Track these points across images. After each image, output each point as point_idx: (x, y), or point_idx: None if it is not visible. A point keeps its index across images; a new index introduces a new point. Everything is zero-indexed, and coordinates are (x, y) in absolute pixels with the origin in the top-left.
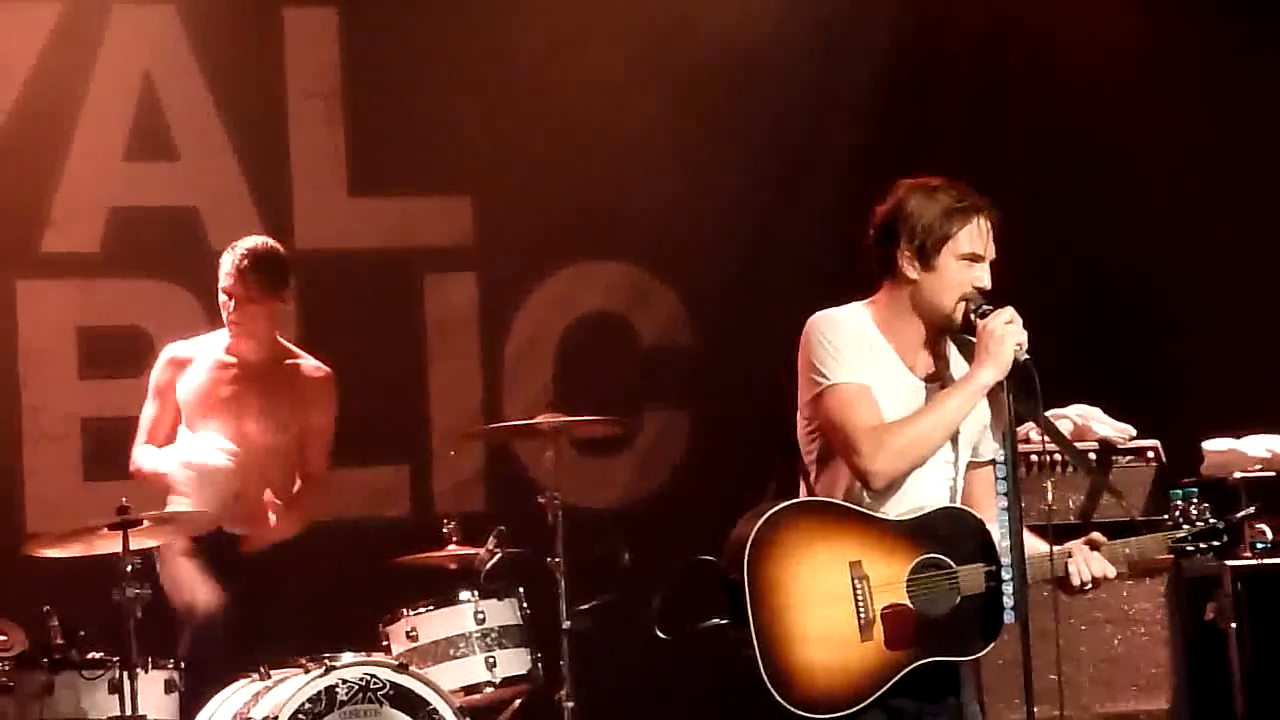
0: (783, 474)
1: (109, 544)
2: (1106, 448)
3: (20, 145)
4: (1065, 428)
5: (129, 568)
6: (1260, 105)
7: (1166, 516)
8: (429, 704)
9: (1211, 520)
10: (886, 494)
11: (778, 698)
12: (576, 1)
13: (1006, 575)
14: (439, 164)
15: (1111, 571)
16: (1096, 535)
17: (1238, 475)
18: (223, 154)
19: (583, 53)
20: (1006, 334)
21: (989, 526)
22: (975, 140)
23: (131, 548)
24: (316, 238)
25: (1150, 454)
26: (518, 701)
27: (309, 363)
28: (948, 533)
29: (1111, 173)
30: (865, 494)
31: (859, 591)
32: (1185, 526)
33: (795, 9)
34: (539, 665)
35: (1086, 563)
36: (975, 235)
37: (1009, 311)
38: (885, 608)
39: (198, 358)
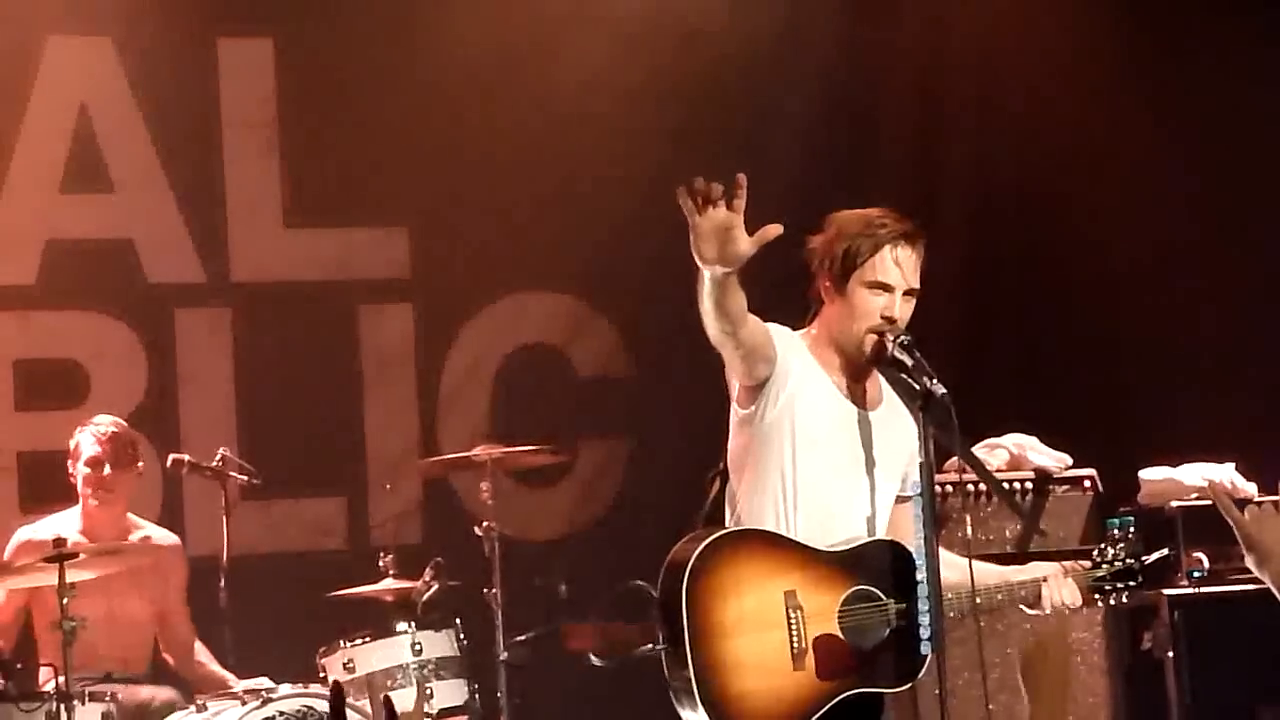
0: (717, 498)
1: (45, 577)
2: (1043, 477)
3: None
4: (1002, 457)
5: (65, 600)
6: (1200, 128)
7: (1094, 550)
8: None
9: (1129, 560)
10: (813, 523)
11: None
12: (512, 38)
13: (924, 606)
14: (375, 196)
15: (1079, 601)
16: (1069, 564)
17: (1175, 504)
18: (158, 186)
19: (519, 88)
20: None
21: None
22: (916, 171)
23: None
24: (252, 270)
25: (1087, 483)
26: None
27: (159, 532)
28: (880, 565)
29: (1051, 203)
30: (794, 522)
31: (793, 621)
32: (1105, 566)
33: (732, 43)
34: (476, 696)
35: (1059, 590)
36: (884, 264)
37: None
38: (817, 637)
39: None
